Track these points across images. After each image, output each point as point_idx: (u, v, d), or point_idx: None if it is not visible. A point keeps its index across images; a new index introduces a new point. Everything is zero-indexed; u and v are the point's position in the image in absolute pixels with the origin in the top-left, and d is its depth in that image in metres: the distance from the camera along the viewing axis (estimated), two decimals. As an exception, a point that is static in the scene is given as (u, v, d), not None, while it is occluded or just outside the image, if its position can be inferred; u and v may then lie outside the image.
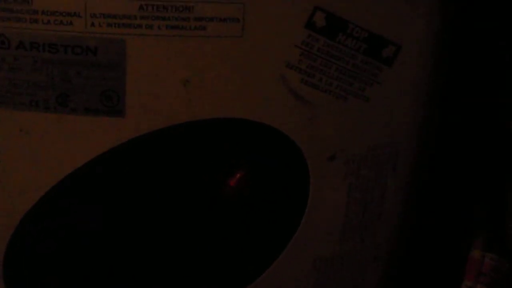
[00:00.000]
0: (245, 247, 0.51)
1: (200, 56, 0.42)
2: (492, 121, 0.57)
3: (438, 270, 0.61)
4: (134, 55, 0.42)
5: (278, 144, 0.46)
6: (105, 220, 0.47)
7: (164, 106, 0.43)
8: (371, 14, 0.44)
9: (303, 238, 0.50)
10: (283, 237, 0.50)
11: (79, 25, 0.41)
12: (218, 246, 0.50)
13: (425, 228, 0.59)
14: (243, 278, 0.51)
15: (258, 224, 0.50)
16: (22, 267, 0.47)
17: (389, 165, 0.49)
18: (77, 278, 0.49)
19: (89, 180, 0.45)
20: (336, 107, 0.46)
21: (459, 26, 0.50)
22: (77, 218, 0.47)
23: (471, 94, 0.58)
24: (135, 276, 0.49)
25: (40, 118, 0.43)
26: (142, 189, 0.47)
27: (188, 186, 0.47)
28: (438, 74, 0.49)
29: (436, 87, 0.49)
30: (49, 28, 0.41)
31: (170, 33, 0.42)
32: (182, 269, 0.50)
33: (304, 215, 0.49)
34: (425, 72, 0.47)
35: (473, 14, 0.54)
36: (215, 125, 0.45)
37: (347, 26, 0.44)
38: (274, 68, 0.44)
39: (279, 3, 0.42)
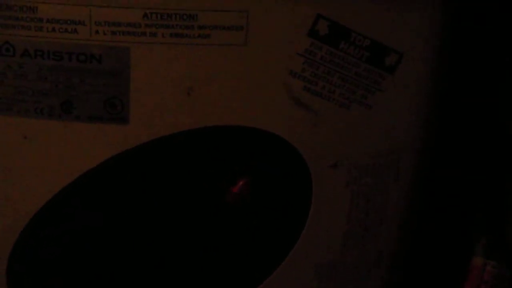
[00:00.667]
0: (247, 253, 0.51)
1: (203, 64, 0.43)
2: (493, 126, 0.57)
3: (439, 277, 0.61)
4: (138, 63, 0.42)
5: (281, 152, 0.46)
6: (108, 227, 0.48)
7: (168, 113, 0.43)
8: (373, 23, 0.44)
9: (306, 245, 0.50)
10: (286, 243, 0.50)
11: (84, 33, 0.41)
12: (221, 253, 0.50)
13: (427, 235, 0.60)
14: (246, 284, 0.51)
15: (260, 231, 0.50)
16: (26, 271, 0.47)
17: (391, 172, 0.49)
18: (80, 282, 0.49)
19: (93, 187, 0.45)
20: (338, 115, 0.46)
21: (459, 30, 0.50)
22: (81, 224, 0.47)
23: (472, 98, 0.58)
24: (138, 281, 0.50)
25: (45, 125, 0.43)
26: (146, 196, 0.47)
27: (191, 193, 0.48)
28: (439, 81, 0.49)
29: (438, 94, 0.49)
30: (54, 36, 0.41)
31: (174, 41, 0.42)
32: (185, 275, 0.50)
33: (306, 222, 0.49)
34: (427, 80, 0.48)
35: (474, 18, 0.54)
36: (218, 133, 0.45)
37: (349, 34, 0.44)
38: (277, 76, 0.44)
39: (283, 11, 0.43)
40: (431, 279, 0.61)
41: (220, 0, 0.42)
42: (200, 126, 0.44)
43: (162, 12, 0.41)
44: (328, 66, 0.45)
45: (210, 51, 0.42)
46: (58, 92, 0.42)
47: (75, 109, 0.43)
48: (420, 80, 0.47)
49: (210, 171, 0.47)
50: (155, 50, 0.42)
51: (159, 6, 0.41)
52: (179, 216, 0.48)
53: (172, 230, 0.49)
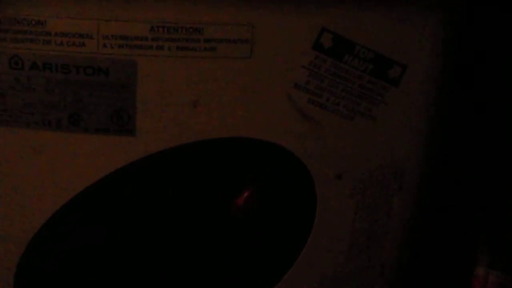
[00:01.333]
0: (252, 264, 0.51)
1: (209, 77, 0.43)
2: (496, 135, 0.58)
3: (443, 287, 0.61)
4: (145, 76, 0.43)
5: (285, 163, 0.47)
6: (115, 238, 0.48)
7: (174, 125, 0.44)
8: (377, 35, 0.45)
9: (310, 256, 0.50)
10: (290, 255, 0.51)
11: (92, 46, 0.42)
12: (226, 264, 0.50)
13: (431, 245, 0.60)
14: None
15: (265, 242, 0.51)
16: (33, 282, 0.48)
17: (395, 184, 0.50)
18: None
19: (100, 198, 0.46)
20: (343, 127, 0.46)
21: (463, 41, 0.50)
22: (88, 235, 0.47)
23: (475, 106, 0.58)
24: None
25: (52, 137, 0.43)
26: (152, 207, 0.47)
27: (196, 205, 0.48)
28: (443, 92, 0.49)
29: (441, 105, 0.50)
30: (62, 49, 0.42)
31: (181, 54, 0.42)
32: (189, 285, 0.51)
33: (311, 233, 0.50)
34: (431, 91, 0.48)
35: (477, 29, 0.55)
36: (224, 145, 0.45)
37: (353, 47, 0.44)
38: (282, 88, 0.44)
39: (287, 24, 0.43)
40: (435, 289, 0.62)
41: (225, 13, 0.42)
42: (205, 138, 0.45)
43: (169, 25, 0.42)
44: (332, 78, 0.45)
45: (216, 64, 0.43)
46: (66, 104, 0.43)
47: (83, 121, 0.43)
48: (424, 92, 0.47)
49: (215, 182, 0.47)
50: (161, 63, 0.42)
51: (166, 20, 0.42)
52: (185, 228, 0.49)
53: (178, 241, 0.49)
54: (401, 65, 0.46)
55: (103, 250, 0.48)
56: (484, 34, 0.55)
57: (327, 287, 0.52)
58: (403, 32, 0.45)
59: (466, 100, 0.57)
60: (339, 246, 0.51)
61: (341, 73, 0.45)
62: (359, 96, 0.46)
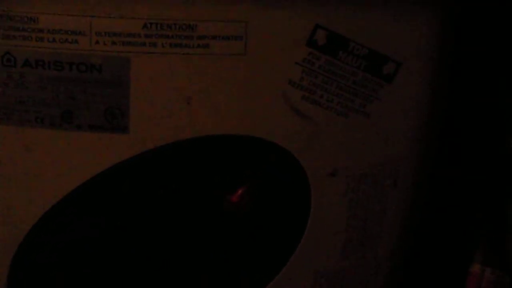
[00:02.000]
0: (247, 261, 0.51)
1: (203, 74, 0.43)
2: (492, 136, 0.58)
3: (438, 284, 0.61)
4: (138, 73, 0.42)
5: (280, 160, 0.47)
6: (109, 235, 0.48)
7: (167, 123, 0.44)
8: (371, 32, 0.44)
9: (305, 253, 0.50)
10: (285, 251, 0.51)
11: (84, 43, 0.42)
12: (221, 261, 0.50)
13: (426, 243, 0.60)
14: (245, 292, 0.52)
15: (259, 238, 0.50)
16: (27, 278, 0.48)
17: (390, 181, 0.50)
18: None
19: (94, 196, 0.45)
20: (337, 124, 0.46)
21: (458, 39, 0.50)
22: (82, 232, 0.47)
23: (472, 109, 0.58)
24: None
25: (45, 134, 0.43)
26: (146, 204, 0.47)
27: (190, 202, 0.48)
28: (438, 89, 0.49)
29: (436, 102, 0.50)
30: (54, 46, 0.41)
31: (174, 51, 0.42)
32: (186, 282, 0.51)
33: (305, 230, 0.50)
34: (425, 88, 0.48)
35: (472, 27, 0.55)
36: (218, 142, 0.45)
37: (347, 43, 0.44)
38: (276, 85, 0.44)
39: (281, 21, 0.43)
40: (430, 286, 0.61)
41: (219, 10, 0.42)
42: (199, 135, 0.45)
43: (162, 22, 0.42)
44: (326, 75, 0.45)
45: (209, 61, 0.43)
46: (59, 101, 0.43)
47: (76, 119, 0.43)
48: (418, 89, 0.47)
49: (209, 179, 0.47)
50: (155, 60, 0.42)
51: (159, 17, 0.42)
52: (180, 224, 0.49)
53: (172, 238, 0.49)
54: (396, 62, 0.46)
55: (98, 248, 0.48)
56: (479, 31, 0.55)
57: (321, 284, 0.52)
58: (398, 29, 0.45)
59: (462, 97, 0.57)
60: (333, 243, 0.51)
61: (335, 70, 0.45)
62: (353, 93, 0.46)
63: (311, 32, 0.43)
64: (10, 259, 0.46)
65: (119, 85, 0.43)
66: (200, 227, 0.49)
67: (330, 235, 0.50)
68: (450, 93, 0.52)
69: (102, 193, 0.46)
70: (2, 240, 0.46)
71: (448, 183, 0.60)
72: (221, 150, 0.46)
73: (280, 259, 0.51)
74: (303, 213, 0.49)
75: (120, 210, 0.47)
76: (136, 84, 0.43)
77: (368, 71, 0.45)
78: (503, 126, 0.56)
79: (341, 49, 0.44)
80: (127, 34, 0.42)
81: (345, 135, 0.47)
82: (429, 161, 0.52)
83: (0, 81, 0.42)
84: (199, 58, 0.43)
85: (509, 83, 0.56)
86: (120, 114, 0.43)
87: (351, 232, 0.51)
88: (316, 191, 0.48)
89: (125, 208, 0.47)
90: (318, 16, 0.43)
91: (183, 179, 0.47)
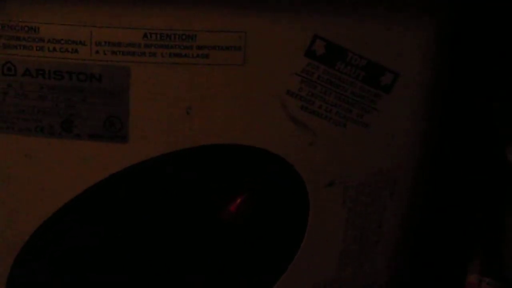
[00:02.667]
0: (244, 271, 0.51)
1: (202, 84, 0.43)
2: (489, 147, 0.58)
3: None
4: (137, 82, 0.43)
5: (278, 170, 0.47)
6: (108, 243, 0.48)
7: (167, 132, 0.44)
8: (369, 43, 0.45)
9: (302, 263, 0.50)
10: (282, 261, 0.51)
11: (84, 53, 0.42)
12: (219, 270, 0.51)
13: (423, 252, 0.60)
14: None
15: (257, 248, 0.51)
16: (27, 286, 0.48)
17: (387, 191, 0.50)
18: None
19: (92, 204, 0.46)
20: (335, 134, 0.47)
21: (456, 49, 0.50)
22: (81, 240, 0.47)
23: (469, 119, 0.59)
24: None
25: (45, 143, 0.43)
26: (145, 214, 0.47)
27: (189, 211, 0.48)
28: (436, 99, 0.49)
29: (434, 112, 0.50)
30: (55, 56, 0.42)
31: (173, 61, 0.43)
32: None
33: (303, 240, 0.50)
34: (423, 99, 0.48)
35: (470, 37, 0.55)
36: (217, 151, 0.45)
37: (346, 54, 0.45)
38: (274, 95, 0.45)
39: (280, 32, 0.43)
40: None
41: (218, 21, 0.42)
42: (198, 145, 0.45)
43: (162, 32, 0.42)
44: (325, 85, 0.45)
45: (209, 70, 0.43)
46: (59, 110, 0.43)
47: (75, 128, 0.43)
48: (416, 99, 0.48)
49: (208, 189, 0.47)
50: (154, 70, 0.43)
51: (159, 27, 0.42)
52: (178, 234, 0.49)
53: (172, 247, 0.49)
54: (393, 72, 0.46)
55: (96, 255, 0.48)
56: (476, 41, 0.56)
57: (319, 294, 0.52)
58: (395, 39, 0.45)
59: (459, 106, 0.57)
60: (331, 253, 0.51)
61: (333, 80, 0.45)
62: (351, 103, 0.46)
63: (310, 42, 0.44)
64: (9, 267, 0.46)
65: (118, 95, 0.43)
66: (198, 237, 0.49)
67: (328, 245, 0.50)
68: (448, 102, 0.53)
69: (101, 202, 0.46)
70: (4, 245, 0.46)
71: (445, 193, 0.60)
72: (219, 159, 0.46)
73: (278, 269, 0.51)
74: (301, 223, 0.49)
75: (119, 219, 0.47)
76: (135, 93, 0.43)
77: (366, 81, 0.46)
78: (500, 134, 0.57)
79: (339, 59, 0.45)
80: (127, 44, 0.42)
81: (343, 145, 0.47)
82: (427, 170, 0.52)
83: (0, 90, 0.42)
84: (199, 68, 0.43)
85: (506, 90, 0.57)
86: (120, 123, 0.43)
87: (349, 242, 0.51)
88: (314, 201, 0.48)
89: (124, 217, 0.47)
90: (316, 26, 0.43)
91: (182, 189, 0.47)
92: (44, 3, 0.41)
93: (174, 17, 0.42)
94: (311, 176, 0.48)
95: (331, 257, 0.51)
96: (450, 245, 0.61)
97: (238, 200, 0.48)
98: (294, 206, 0.49)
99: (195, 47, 0.42)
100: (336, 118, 0.46)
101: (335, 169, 0.48)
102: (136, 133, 0.44)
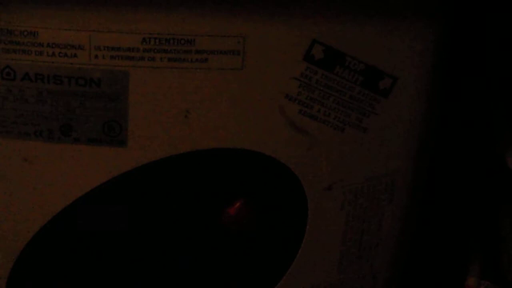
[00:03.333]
0: (243, 274, 0.51)
1: (201, 88, 0.43)
2: (488, 152, 0.58)
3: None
4: (136, 87, 0.43)
5: (277, 174, 0.47)
6: (107, 249, 0.48)
7: (166, 136, 0.44)
8: (367, 47, 0.45)
9: (301, 266, 0.51)
10: (281, 265, 0.51)
11: (83, 57, 0.42)
12: (217, 273, 0.51)
13: (422, 255, 0.60)
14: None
15: (256, 252, 0.51)
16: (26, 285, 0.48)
17: (386, 195, 0.50)
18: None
19: (92, 209, 0.46)
20: (334, 138, 0.47)
21: (454, 54, 0.51)
22: (79, 245, 0.47)
23: (468, 125, 0.59)
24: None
25: (44, 147, 0.44)
26: (144, 218, 0.48)
27: (188, 215, 0.48)
28: (434, 104, 0.49)
29: (432, 117, 0.50)
30: (54, 60, 0.42)
31: (172, 65, 0.43)
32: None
33: (302, 243, 0.50)
34: (421, 103, 0.48)
35: (468, 42, 0.55)
36: (215, 155, 0.45)
37: (344, 58, 0.45)
38: (273, 99, 0.45)
39: (278, 36, 0.43)
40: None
41: (217, 25, 0.42)
42: (197, 148, 0.45)
43: (161, 37, 0.42)
44: (323, 89, 0.45)
45: (207, 75, 0.43)
46: (58, 115, 0.43)
47: (74, 132, 0.43)
48: (415, 104, 0.48)
49: (207, 193, 0.48)
50: (153, 74, 0.43)
51: (158, 31, 0.42)
52: (177, 238, 0.49)
53: (169, 251, 0.49)
54: (392, 77, 0.46)
55: (95, 260, 0.48)
56: (475, 45, 0.56)
57: (318, 297, 0.52)
58: (394, 44, 0.45)
59: (458, 110, 0.57)
60: (330, 256, 0.51)
61: (332, 84, 0.45)
62: (349, 107, 0.46)
63: (308, 46, 0.44)
64: (8, 272, 0.46)
65: (117, 99, 0.43)
66: (197, 240, 0.49)
67: (326, 248, 0.50)
68: (446, 106, 0.53)
69: (101, 206, 0.46)
70: (4, 249, 0.46)
71: (444, 196, 0.60)
72: (218, 163, 0.46)
73: (277, 272, 0.51)
74: (300, 227, 0.49)
75: (118, 224, 0.47)
76: (134, 97, 0.43)
77: (364, 86, 0.46)
78: (499, 138, 0.57)
79: (338, 64, 0.45)
80: (126, 48, 0.42)
81: (341, 149, 0.47)
82: (425, 173, 0.52)
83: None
84: (197, 72, 0.43)
85: (505, 93, 0.57)
86: (119, 127, 0.43)
87: (348, 246, 0.51)
88: (313, 204, 0.48)
89: (124, 221, 0.47)
90: (315, 31, 0.43)
91: (181, 192, 0.47)
92: (43, 8, 0.41)
93: (173, 22, 0.42)
94: (310, 180, 0.48)
95: (330, 260, 0.51)
96: (449, 248, 0.61)
97: (238, 204, 0.48)
98: (293, 210, 0.49)
99: (193, 51, 0.43)
100: (334, 122, 0.46)
101: (334, 173, 0.48)
102: (135, 137, 0.44)
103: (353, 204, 0.49)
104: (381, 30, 0.44)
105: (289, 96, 0.45)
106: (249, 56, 0.43)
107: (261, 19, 0.43)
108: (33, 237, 0.46)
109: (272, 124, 0.45)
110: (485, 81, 0.57)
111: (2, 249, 0.46)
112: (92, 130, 0.43)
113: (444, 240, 0.61)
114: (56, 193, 0.45)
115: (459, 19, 0.49)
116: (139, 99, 0.43)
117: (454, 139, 0.59)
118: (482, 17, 0.54)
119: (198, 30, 0.42)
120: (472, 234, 0.59)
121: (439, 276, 0.61)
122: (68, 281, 0.48)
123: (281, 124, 0.45)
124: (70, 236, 0.47)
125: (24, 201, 0.45)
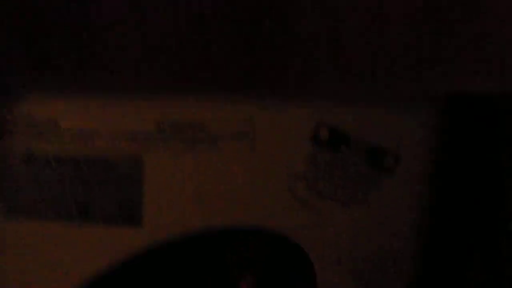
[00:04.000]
0: None
1: (212, 169, 0.45)
2: (497, 221, 0.58)
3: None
4: (150, 169, 0.45)
5: (286, 249, 0.48)
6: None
7: (179, 216, 0.46)
8: (371, 128, 0.46)
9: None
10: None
11: (100, 142, 0.44)
12: None
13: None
14: None
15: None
16: None
17: (395, 268, 0.51)
18: None
19: (106, 286, 0.47)
20: (340, 214, 0.48)
21: (457, 132, 0.52)
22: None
23: (470, 193, 0.59)
24: None
25: (62, 227, 0.45)
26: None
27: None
28: (438, 180, 0.50)
29: (437, 193, 0.51)
30: (72, 145, 0.44)
31: (185, 148, 0.45)
32: None
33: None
34: (425, 180, 0.49)
35: (471, 120, 0.56)
36: (226, 233, 0.47)
37: (349, 139, 0.46)
38: (282, 178, 0.46)
39: (286, 118, 0.45)
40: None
41: (227, 109, 0.44)
42: (209, 227, 0.46)
43: (174, 122, 0.44)
44: (329, 168, 0.47)
45: (219, 156, 0.45)
46: (76, 197, 0.45)
47: (91, 212, 0.45)
48: (418, 181, 0.49)
49: (219, 270, 0.49)
50: (167, 157, 0.45)
51: (171, 116, 0.44)
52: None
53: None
54: (395, 155, 0.47)
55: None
56: (478, 124, 0.57)
57: None
58: (396, 124, 0.47)
59: (461, 187, 0.58)
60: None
61: (338, 163, 0.47)
62: (355, 184, 0.48)
63: (314, 128, 0.46)
64: None
65: (132, 181, 0.45)
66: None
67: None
68: (450, 182, 0.54)
69: (115, 284, 0.47)
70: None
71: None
72: (229, 241, 0.48)
73: None
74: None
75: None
76: (148, 179, 0.45)
77: (369, 164, 0.47)
78: (506, 208, 0.57)
79: (343, 144, 0.46)
80: (140, 132, 0.44)
81: (348, 224, 0.49)
82: (431, 249, 0.53)
83: (21, 178, 0.44)
84: (209, 154, 0.45)
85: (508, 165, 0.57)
86: (134, 208, 0.45)
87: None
88: (322, 278, 0.49)
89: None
90: (321, 114, 0.45)
91: (193, 270, 0.48)
92: (61, 97, 0.43)
93: (186, 107, 0.44)
94: (318, 254, 0.49)
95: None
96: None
97: (248, 280, 0.49)
98: (303, 284, 0.50)
99: (205, 135, 0.44)
100: (340, 198, 0.48)
101: (341, 248, 0.49)
102: (149, 217, 0.46)
103: (361, 278, 0.50)
104: (384, 111, 0.46)
105: (298, 175, 0.46)
106: (258, 138, 0.45)
107: (269, 104, 0.45)
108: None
109: (281, 202, 0.47)
110: (489, 154, 0.58)
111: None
112: (108, 210, 0.45)
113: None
114: (72, 270, 0.46)
115: (460, 103, 0.50)
116: (153, 181, 0.45)
117: (461, 210, 0.59)
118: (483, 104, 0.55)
119: (210, 114, 0.44)
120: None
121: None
122: None
123: (290, 201, 0.47)
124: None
125: (39, 279, 0.46)
